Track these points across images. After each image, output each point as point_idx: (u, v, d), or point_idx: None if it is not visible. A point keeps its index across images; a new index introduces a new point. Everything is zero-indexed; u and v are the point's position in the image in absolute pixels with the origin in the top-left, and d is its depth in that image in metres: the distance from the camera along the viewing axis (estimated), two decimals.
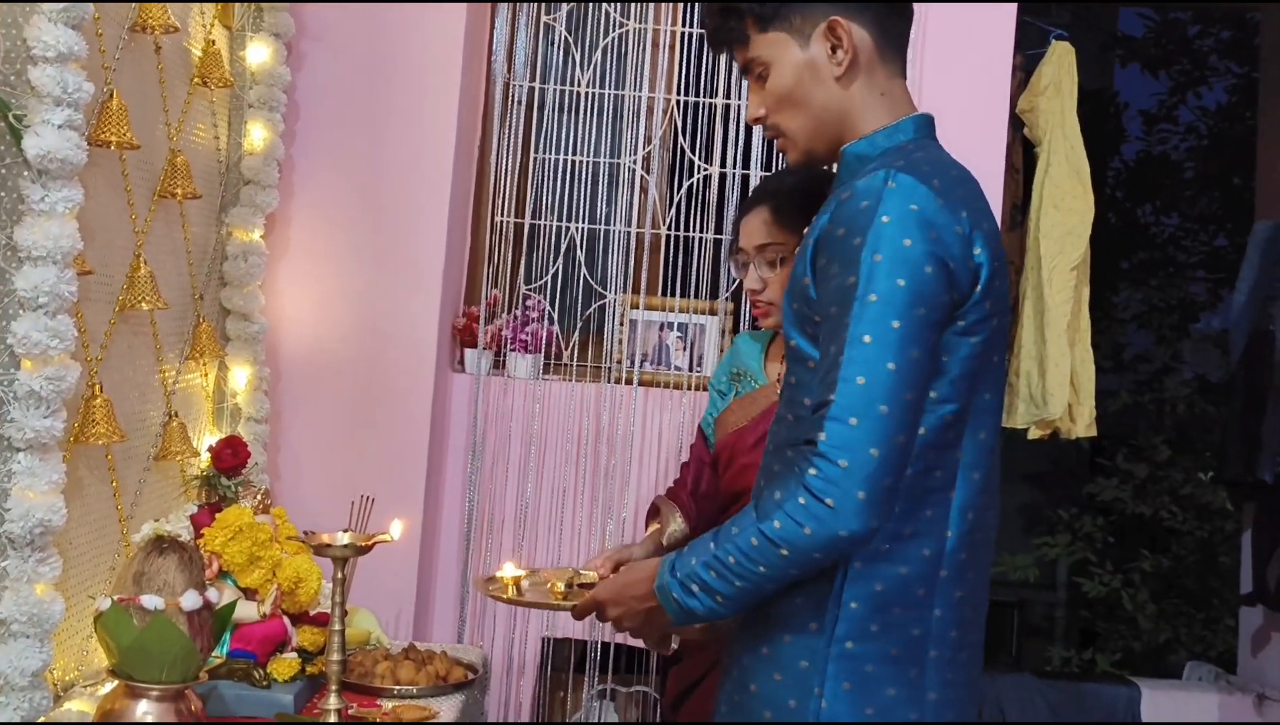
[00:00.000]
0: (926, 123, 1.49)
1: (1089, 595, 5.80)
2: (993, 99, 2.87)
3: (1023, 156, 3.28)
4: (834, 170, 1.53)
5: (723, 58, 3.03)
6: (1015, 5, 2.87)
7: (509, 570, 1.84)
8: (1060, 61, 3.16)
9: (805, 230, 1.86)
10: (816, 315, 1.38)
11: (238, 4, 2.52)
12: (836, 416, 1.27)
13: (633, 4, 3.05)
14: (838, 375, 1.29)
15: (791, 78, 1.46)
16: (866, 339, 1.29)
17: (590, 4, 3.05)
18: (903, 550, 1.37)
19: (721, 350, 3.02)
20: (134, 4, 2.03)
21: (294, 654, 2.09)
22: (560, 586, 1.79)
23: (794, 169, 1.96)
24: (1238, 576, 4.55)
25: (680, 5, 3.07)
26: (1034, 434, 3.19)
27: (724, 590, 1.34)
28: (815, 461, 1.28)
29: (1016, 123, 3.20)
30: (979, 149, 2.82)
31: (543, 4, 3.05)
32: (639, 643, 2.90)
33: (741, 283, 2.02)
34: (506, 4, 3.03)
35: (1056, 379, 3.05)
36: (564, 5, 3.06)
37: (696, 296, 3.03)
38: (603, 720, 2.97)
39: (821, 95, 1.46)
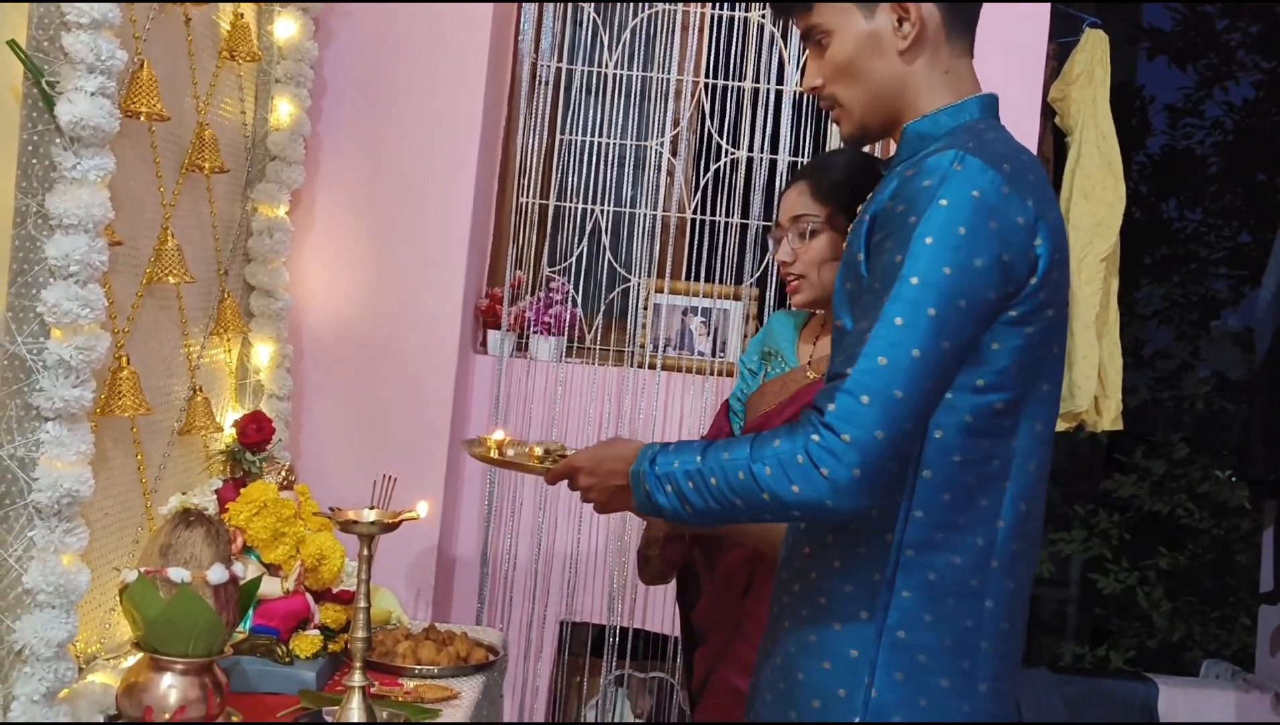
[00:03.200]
0: (992, 104, 1.45)
1: (1104, 592, 5.77)
2: (1026, 87, 2.84)
3: (1053, 146, 3.25)
4: (887, 152, 1.48)
5: (751, 41, 3.01)
6: None
7: (496, 435, 1.83)
8: (1093, 50, 3.13)
9: (843, 205, 1.86)
10: (865, 292, 1.35)
11: None
12: (850, 391, 1.26)
13: None
14: (861, 350, 1.28)
15: (853, 48, 1.42)
16: (898, 321, 1.27)
17: None
18: (957, 539, 1.35)
19: (745, 336, 3.00)
20: None
21: (316, 631, 2.08)
22: (539, 451, 1.76)
23: (843, 149, 1.94)
24: (1254, 575, 4.52)
25: None
26: (1060, 427, 3.16)
27: (695, 503, 1.35)
28: (821, 429, 1.27)
29: (1048, 111, 3.17)
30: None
31: None
32: (655, 627, 2.91)
33: (767, 267, 1.99)
34: None
35: (1084, 371, 3.02)
36: None
37: (721, 281, 3.01)
38: (616, 705, 2.96)
39: (882, 69, 1.42)
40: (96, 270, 1.65)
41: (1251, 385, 3.90)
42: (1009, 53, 2.79)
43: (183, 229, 2.16)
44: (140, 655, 1.71)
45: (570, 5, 3.04)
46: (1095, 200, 3.09)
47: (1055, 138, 3.24)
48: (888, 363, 1.26)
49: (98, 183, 1.65)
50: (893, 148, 1.48)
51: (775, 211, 2.02)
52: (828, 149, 2.98)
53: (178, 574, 1.67)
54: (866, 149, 1.94)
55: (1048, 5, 2.85)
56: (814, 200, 1.88)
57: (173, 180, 2.13)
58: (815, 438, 1.26)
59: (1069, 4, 3.22)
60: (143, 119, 1.92)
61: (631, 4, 3.02)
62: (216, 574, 1.70)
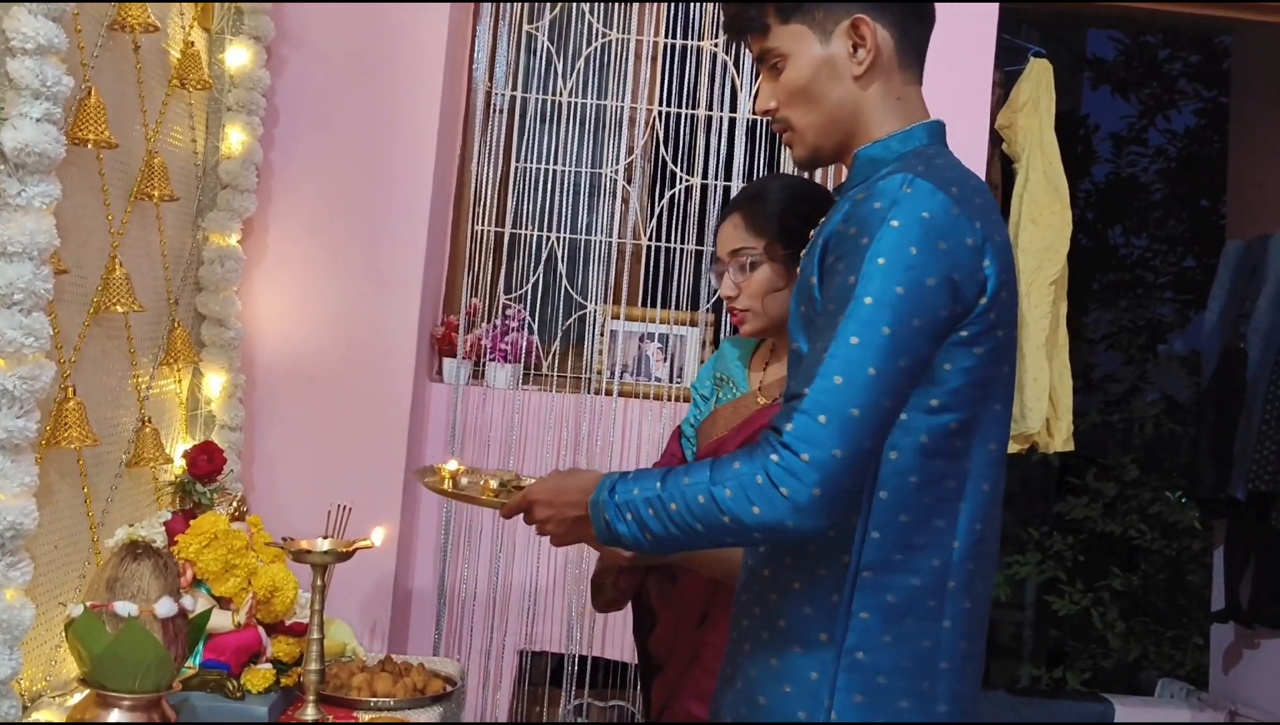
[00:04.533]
0: (939, 130, 1.47)
1: (1059, 613, 5.81)
2: (973, 115, 2.89)
3: (1001, 172, 3.30)
4: (809, 176, 1.49)
5: (704, 69, 3.04)
6: (996, 21, 2.90)
7: (450, 465, 1.78)
8: (1038, 79, 3.19)
9: (779, 233, 1.87)
10: (820, 315, 1.36)
11: (217, 6, 2.48)
12: (807, 411, 1.26)
13: (615, 14, 3.04)
14: (818, 371, 1.28)
15: (808, 73, 1.43)
16: (854, 341, 1.28)
17: (573, 13, 3.04)
18: (914, 560, 1.35)
19: (702, 361, 3.00)
20: (114, 2, 2.00)
21: (268, 665, 2.05)
22: (494, 484, 1.72)
23: (774, 176, 1.95)
24: (1206, 595, 4.58)
25: (663, 16, 3.07)
26: (1012, 448, 3.19)
27: (656, 530, 1.34)
28: (780, 449, 1.26)
29: (994, 139, 3.22)
30: None
31: (525, 12, 3.04)
32: (614, 654, 2.89)
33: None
34: (489, 12, 3.02)
35: (1035, 393, 3.06)
36: (546, 14, 3.05)
37: (677, 308, 3.02)
38: None
39: (837, 93, 1.43)
40: (41, 298, 1.62)
41: (1199, 407, 3.97)
42: (957, 81, 2.84)
43: (131, 257, 2.13)
44: (87, 692, 1.67)
45: (524, 34, 3.05)
46: (1043, 225, 3.13)
47: (1002, 164, 3.30)
48: (844, 381, 1.26)
49: (43, 210, 1.63)
50: (836, 174, 1.50)
51: (714, 245, 2.02)
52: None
53: (124, 608, 1.64)
54: (810, 174, 1.95)
55: (995, 34, 2.91)
56: (749, 232, 1.88)
57: (121, 208, 2.10)
58: (774, 458, 1.26)
59: (1014, 34, 3.29)
60: (90, 146, 1.90)
61: (585, 33, 3.04)
62: (164, 607, 1.67)
